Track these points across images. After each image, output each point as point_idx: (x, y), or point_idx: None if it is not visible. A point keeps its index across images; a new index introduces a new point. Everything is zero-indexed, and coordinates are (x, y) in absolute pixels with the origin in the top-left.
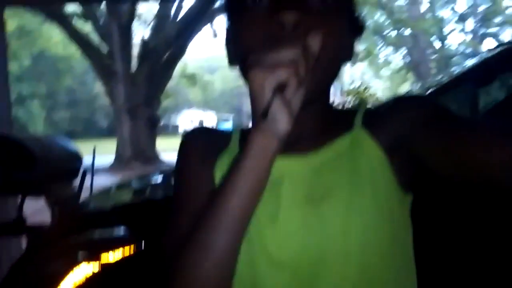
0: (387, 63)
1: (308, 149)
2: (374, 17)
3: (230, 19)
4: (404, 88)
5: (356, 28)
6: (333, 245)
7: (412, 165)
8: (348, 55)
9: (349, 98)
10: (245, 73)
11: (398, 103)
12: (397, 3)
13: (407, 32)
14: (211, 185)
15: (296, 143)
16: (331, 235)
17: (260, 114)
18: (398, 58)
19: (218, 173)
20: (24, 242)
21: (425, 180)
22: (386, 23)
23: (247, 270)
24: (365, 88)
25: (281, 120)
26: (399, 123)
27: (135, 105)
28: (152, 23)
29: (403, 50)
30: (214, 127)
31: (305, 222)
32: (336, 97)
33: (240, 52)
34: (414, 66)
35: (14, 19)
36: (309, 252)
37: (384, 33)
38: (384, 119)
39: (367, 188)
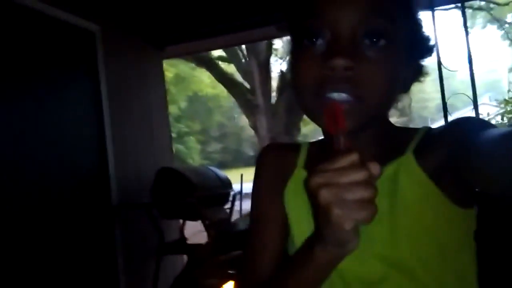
0: None
1: None
2: None
3: (291, 54)
4: None
5: (422, 49)
6: (382, 264)
7: (464, 185)
8: (408, 81)
9: (508, 107)
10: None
11: (447, 128)
12: None
13: None
14: (281, 212)
15: None
16: (379, 255)
17: (333, 240)
18: None
19: (287, 199)
20: (185, 260)
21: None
22: None
23: None
24: None
25: (352, 244)
26: (443, 147)
27: (276, 134)
28: (288, 57)
29: None
30: (286, 142)
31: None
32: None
33: (295, 87)
34: None
35: (171, 69)
36: (359, 269)
37: None
38: (433, 143)
39: (409, 210)
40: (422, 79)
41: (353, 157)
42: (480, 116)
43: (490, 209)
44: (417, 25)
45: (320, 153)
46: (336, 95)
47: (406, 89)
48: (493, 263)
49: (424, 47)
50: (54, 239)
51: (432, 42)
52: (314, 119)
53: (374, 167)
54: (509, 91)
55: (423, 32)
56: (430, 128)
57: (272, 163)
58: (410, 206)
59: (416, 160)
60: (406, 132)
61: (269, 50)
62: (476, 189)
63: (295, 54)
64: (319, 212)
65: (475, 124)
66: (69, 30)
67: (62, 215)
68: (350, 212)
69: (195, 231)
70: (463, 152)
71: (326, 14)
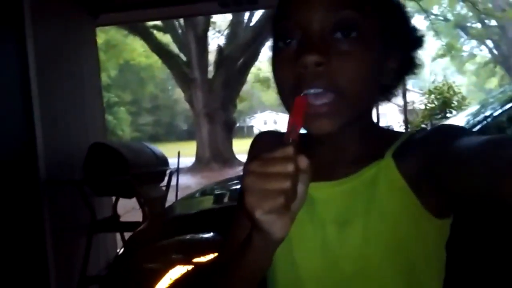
0: (471, 57)
1: (341, 175)
2: (455, 9)
3: (271, 58)
4: (492, 83)
5: (409, 41)
6: (352, 267)
7: (443, 193)
8: (396, 74)
9: (431, 97)
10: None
11: (428, 134)
12: None
13: (493, 23)
14: None
15: (331, 170)
16: (350, 257)
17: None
18: (484, 52)
19: None
20: (118, 238)
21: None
22: (470, 15)
23: (286, 276)
24: (449, 87)
25: (275, 231)
26: (424, 153)
27: (213, 110)
28: (226, 31)
29: (490, 43)
30: (277, 131)
31: (327, 242)
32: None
33: (277, 89)
34: (503, 59)
35: (101, 34)
36: (330, 269)
37: (468, 25)
38: (413, 150)
39: (385, 217)
40: (416, 71)
41: (288, 151)
42: (408, 107)
43: (466, 215)
44: (396, 15)
45: (302, 146)
46: (312, 91)
47: (395, 82)
48: (464, 269)
49: (410, 39)
50: None
51: (419, 33)
52: None
53: (301, 161)
54: (433, 81)
55: (408, 23)
56: (413, 133)
57: (265, 148)
58: (386, 212)
59: (396, 165)
60: (389, 134)
61: (207, 23)
62: (454, 196)
63: (274, 57)
64: None
65: (457, 131)
66: None
67: None
68: (261, 200)
69: (128, 209)
70: (443, 158)
71: (295, 14)
